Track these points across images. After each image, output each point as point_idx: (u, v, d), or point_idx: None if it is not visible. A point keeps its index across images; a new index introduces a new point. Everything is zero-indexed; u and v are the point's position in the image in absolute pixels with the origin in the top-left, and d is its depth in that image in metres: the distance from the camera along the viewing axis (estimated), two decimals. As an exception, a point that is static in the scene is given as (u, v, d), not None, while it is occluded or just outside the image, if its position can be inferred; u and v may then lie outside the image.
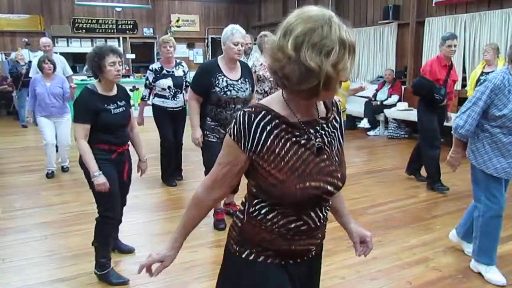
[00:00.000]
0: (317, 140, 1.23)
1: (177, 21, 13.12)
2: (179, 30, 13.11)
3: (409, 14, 8.31)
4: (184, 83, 4.81)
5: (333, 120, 1.31)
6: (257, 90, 4.70)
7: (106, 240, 2.84)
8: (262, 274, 1.29)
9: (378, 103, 8.21)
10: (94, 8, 12.03)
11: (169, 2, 13.00)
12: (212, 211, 3.78)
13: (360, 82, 7.54)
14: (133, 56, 12.06)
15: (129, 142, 2.96)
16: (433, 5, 7.85)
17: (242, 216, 1.33)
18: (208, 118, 3.46)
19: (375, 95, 8.41)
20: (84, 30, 12.06)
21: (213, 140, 3.48)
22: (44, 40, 6.37)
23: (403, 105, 7.83)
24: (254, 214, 1.28)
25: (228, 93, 3.37)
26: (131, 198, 4.04)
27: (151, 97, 4.93)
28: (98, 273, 2.84)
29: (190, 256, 3.17)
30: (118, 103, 2.78)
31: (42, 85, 5.20)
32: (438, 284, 2.79)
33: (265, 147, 1.18)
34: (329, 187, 1.23)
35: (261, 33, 4.93)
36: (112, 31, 12.37)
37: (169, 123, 4.84)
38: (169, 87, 4.71)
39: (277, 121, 1.18)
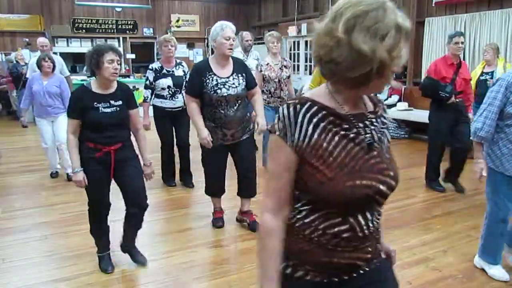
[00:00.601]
0: (367, 135, 1.13)
1: (177, 21, 13.12)
2: (179, 30, 13.10)
3: (409, 14, 8.30)
4: (184, 83, 4.76)
5: (381, 116, 1.22)
6: (262, 91, 4.73)
7: (93, 228, 2.97)
8: None
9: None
10: (94, 8, 12.02)
11: (169, 2, 12.99)
12: (212, 209, 3.79)
13: None
14: (133, 56, 12.06)
15: (125, 142, 2.86)
16: (433, 5, 7.85)
17: None
18: (206, 119, 3.42)
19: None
20: (84, 30, 12.05)
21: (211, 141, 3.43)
22: (42, 40, 6.34)
23: (403, 105, 7.82)
24: (293, 220, 1.17)
25: (218, 91, 3.30)
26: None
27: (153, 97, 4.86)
28: (97, 254, 3.05)
29: (190, 256, 3.17)
30: (112, 102, 2.75)
31: (39, 84, 5.06)
32: (438, 284, 2.79)
33: (312, 139, 1.08)
34: (381, 186, 1.11)
35: (269, 32, 5.05)
36: (112, 31, 12.36)
37: (169, 124, 4.78)
38: (168, 87, 4.66)
39: (324, 112, 1.10)
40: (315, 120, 1.09)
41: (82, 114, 2.69)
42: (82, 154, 2.74)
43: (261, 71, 4.86)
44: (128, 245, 3.08)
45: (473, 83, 5.86)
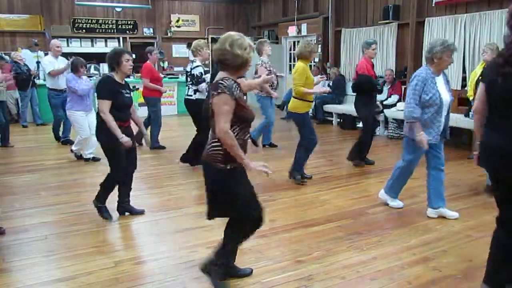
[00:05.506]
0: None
1: (177, 21, 13.11)
2: (179, 30, 13.11)
3: (409, 14, 8.30)
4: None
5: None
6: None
7: (109, 188, 3.86)
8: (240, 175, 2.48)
9: (378, 103, 8.20)
10: (94, 8, 12.01)
11: (169, 2, 12.99)
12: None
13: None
14: (133, 56, 12.04)
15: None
16: (433, 5, 7.85)
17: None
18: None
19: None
20: (84, 30, 12.05)
21: None
22: (57, 42, 7.23)
23: (403, 105, 7.81)
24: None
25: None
26: (132, 198, 4.06)
27: (190, 92, 5.65)
28: (98, 205, 3.89)
29: (190, 256, 3.17)
30: (127, 90, 3.81)
31: (82, 83, 5.82)
32: (438, 284, 2.79)
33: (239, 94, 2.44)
34: None
35: (263, 39, 6.72)
36: (112, 31, 12.35)
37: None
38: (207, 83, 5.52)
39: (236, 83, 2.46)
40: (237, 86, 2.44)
41: (113, 96, 3.60)
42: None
43: (266, 68, 6.17)
44: (125, 202, 3.98)
45: (472, 82, 5.86)
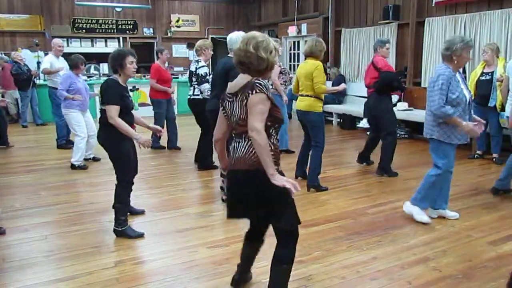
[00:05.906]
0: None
1: (177, 21, 13.11)
2: (179, 30, 13.10)
3: (409, 14, 8.30)
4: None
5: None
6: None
7: (125, 199, 3.58)
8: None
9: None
10: (94, 8, 12.01)
11: (169, 2, 12.99)
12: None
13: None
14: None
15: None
16: (433, 5, 7.84)
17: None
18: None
19: (375, 95, 8.38)
20: (84, 30, 12.04)
21: None
22: (59, 41, 7.26)
23: (403, 105, 7.81)
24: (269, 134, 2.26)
25: None
26: (132, 198, 4.06)
27: (197, 92, 5.63)
28: (119, 229, 3.50)
29: (190, 256, 3.17)
30: (129, 92, 3.63)
31: (79, 82, 5.78)
32: (438, 284, 2.79)
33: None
34: None
35: (275, 38, 6.57)
36: (112, 31, 12.35)
37: None
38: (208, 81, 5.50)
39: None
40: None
41: (121, 100, 3.39)
42: (118, 134, 3.36)
43: (280, 66, 6.22)
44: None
45: (472, 83, 5.87)
